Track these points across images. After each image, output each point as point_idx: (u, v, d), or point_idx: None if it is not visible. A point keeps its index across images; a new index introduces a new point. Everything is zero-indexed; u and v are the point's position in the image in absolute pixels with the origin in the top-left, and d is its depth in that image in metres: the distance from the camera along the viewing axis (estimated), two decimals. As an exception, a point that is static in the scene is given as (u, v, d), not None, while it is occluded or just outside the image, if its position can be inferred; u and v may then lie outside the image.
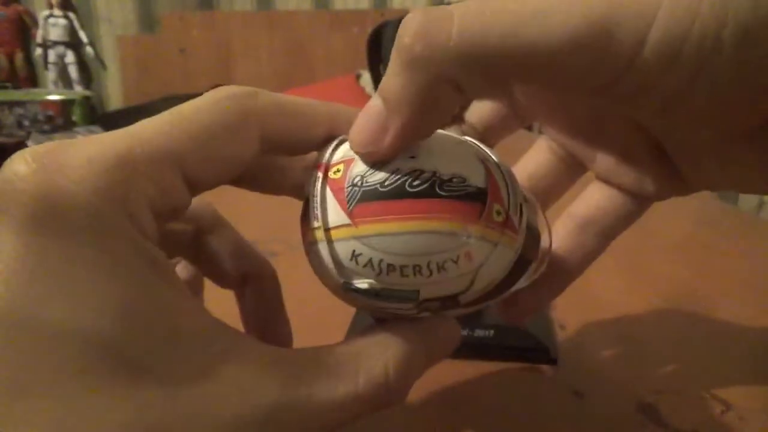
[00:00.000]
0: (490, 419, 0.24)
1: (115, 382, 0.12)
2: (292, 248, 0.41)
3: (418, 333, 0.16)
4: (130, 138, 0.14)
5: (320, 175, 0.16)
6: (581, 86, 0.14)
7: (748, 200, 1.41)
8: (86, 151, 0.13)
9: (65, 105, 2.08)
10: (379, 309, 0.16)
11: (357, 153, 0.16)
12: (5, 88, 2.18)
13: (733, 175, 0.18)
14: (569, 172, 0.23)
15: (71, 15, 2.59)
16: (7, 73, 2.61)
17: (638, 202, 0.21)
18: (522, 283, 0.17)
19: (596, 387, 0.26)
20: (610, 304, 0.34)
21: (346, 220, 0.15)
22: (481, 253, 0.15)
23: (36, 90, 2.47)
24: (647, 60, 0.13)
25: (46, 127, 1.88)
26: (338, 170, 0.16)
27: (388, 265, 0.15)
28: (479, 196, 0.15)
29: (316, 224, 0.16)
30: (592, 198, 0.22)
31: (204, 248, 0.21)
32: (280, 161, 0.19)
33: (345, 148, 0.17)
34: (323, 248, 0.16)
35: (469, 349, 0.28)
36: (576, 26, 0.13)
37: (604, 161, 0.21)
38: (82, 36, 2.61)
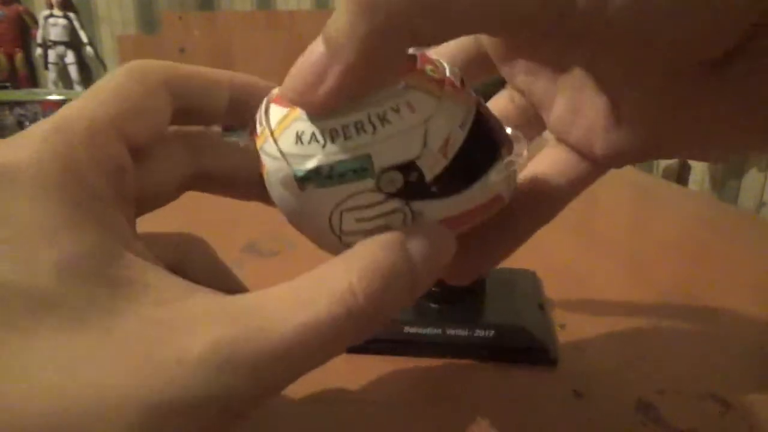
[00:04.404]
0: (490, 419, 0.24)
1: (54, 333, 0.12)
2: (292, 248, 0.41)
3: (391, 241, 0.15)
4: (61, 113, 0.15)
5: (264, 101, 0.16)
6: (525, 30, 0.14)
7: (748, 200, 1.41)
8: (25, 132, 0.15)
9: (65, 105, 2.08)
10: (340, 202, 0.15)
11: (291, 101, 0.15)
12: (5, 88, 2.18)
13: (689, 128, 0.18)
14: (528, 125, 0.22)
15: (71, 15, 2.59)
16: (7, 73, 2.61)
17: (584, 166, 0.21)
18: (498, 174, 0.16)
19: (596, 387, 0.26)
20: (610, 304, 0.34)
21: (286, 110, 0.15)
22: (424, 105, 0.15)
23: (36, 90, 2.47)
24: None
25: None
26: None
27: (331, 130, 0.14)
28: (409, 57, 0.15)
29: (260, 130, 0.16)
30: (536, 164, 0.22)
31: None
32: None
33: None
34: (270, 147, 0.15)
35: (469, 349, 0.28)
36: None
37: (557, 113, 0.21)
38: (82, 36, 2.61)
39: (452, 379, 0.26)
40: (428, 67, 0.15)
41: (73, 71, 2.63)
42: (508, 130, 0.18)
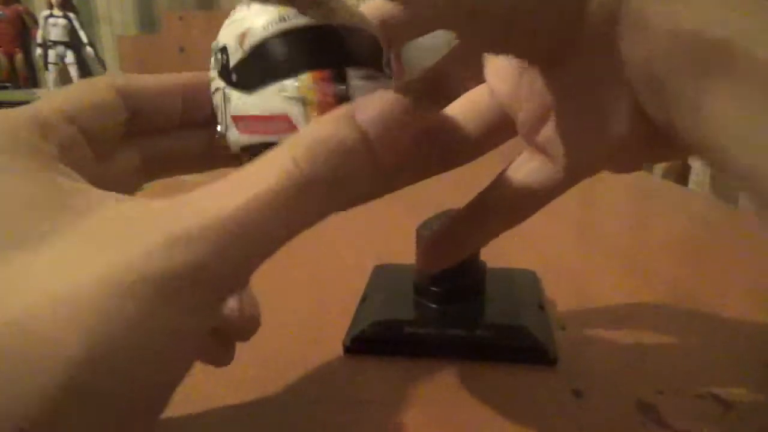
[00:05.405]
0: (490, 419, 0.24)
1: (36, 250, 0.13)
2: (292, 248, 0.41)
3: (337, 115, 0.16)
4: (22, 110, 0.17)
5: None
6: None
7: (748, 200, 1.41)
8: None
9: (65, 105, 2.07)
10: (210, 75, 0.19)
11: None
12: (5, 88, 2.17)
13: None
14: (501, 122, 0.22)
15: (71, 15, 2.59)
16: (7, 73, 2.61)
17: (552, 173, 0.21)
18: (284, 91, 0.17)
19: (596, 387, 0.26)
20: (610, 304, 0.34)
21: None
22: (253, 9, 0.18)
23: (36, 90, 2.47)
24: None
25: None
26: None
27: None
28: None
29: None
30: (509, 168, 0.22)
31: None
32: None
33: None
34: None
35: (469, 349, 0.28)
36: None
37: (524, 116, 0.21)
38: (82, 36, 2.61)
39: (452, 379, 0.26)
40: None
41: (73, 71, 2.63)
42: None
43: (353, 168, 0.15)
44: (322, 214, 0.15)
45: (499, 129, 0.23)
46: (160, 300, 0.13)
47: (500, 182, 0.22)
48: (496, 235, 0.23)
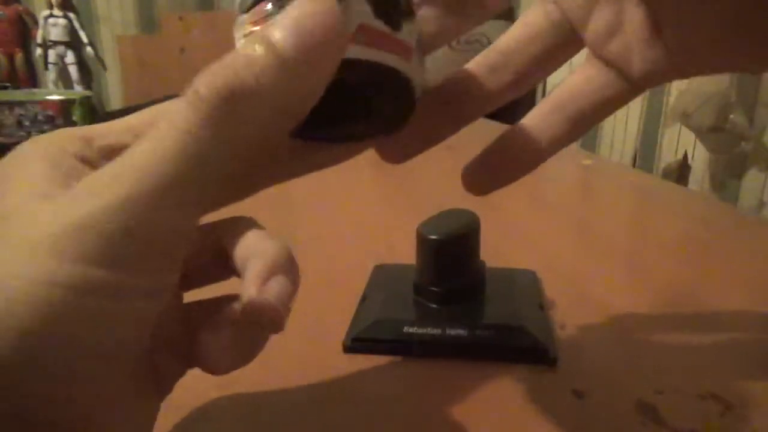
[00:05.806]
0: (490, 419, 0.24)
1: None
2: (293, 247, 0.41)
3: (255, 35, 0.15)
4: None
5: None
6: None
7: (748, 200, 1.41)
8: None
9: (65, 105, 2.08)
10: None
11: None
12: (5, 88, 2.17)
13: (725, 48, 0.19)
14: (561, 42, 0.22)
15: (71, 15, 2.59)
16: (7, 73, 2.61)
17: (620, 85, 0.21)
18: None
19: (596, 387, 0.26)
20: (610, 304, 0.34)
21: None
22: None
23: (36, 90, 2.47)
24: None
25: (46, 127, 1.88)
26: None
27: None
28: None
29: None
30: (570, 80, 0.22)
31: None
32: None
33: None
34: None
35: (469, 349, 0.28)
36: None
37: (595, 27, 0.21)
38: (82, 36, 2.61)
39: (452, 379, 0.26)
40: None
41: (73, 71, 2.63)
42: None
43: (262, 81, 0.15)
44: (249, 141, 0.15)
45: (557, 52, 0.22)
46: (95, 264, 0.13)
47: (569, 95, 0.22)
48: (559, 148, 0.22)
